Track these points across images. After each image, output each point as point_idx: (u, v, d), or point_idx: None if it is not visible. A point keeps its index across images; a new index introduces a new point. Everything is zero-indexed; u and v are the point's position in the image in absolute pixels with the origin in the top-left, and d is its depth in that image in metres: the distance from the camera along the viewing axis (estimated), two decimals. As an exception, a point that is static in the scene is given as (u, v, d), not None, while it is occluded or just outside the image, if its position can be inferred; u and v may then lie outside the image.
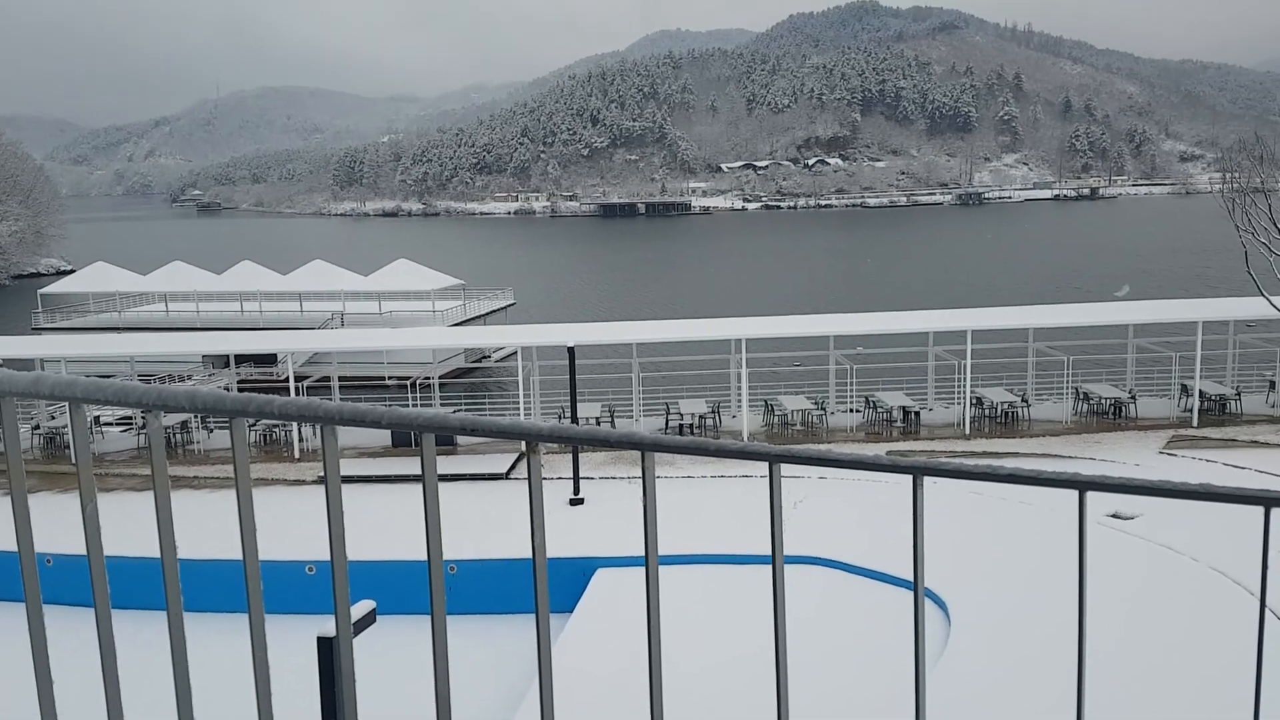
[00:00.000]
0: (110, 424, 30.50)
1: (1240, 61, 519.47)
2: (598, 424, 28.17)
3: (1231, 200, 27.50)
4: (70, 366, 30.05)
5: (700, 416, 28.36)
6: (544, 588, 1.61)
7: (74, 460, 1.53)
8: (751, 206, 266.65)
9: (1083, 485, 1.34)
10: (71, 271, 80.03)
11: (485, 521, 20.00)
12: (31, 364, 31.99)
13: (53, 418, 29.13)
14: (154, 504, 1.68)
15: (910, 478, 1.41)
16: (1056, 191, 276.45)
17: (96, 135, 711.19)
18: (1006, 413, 28.24)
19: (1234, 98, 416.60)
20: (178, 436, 28.88)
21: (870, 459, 1.40)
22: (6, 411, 1.80)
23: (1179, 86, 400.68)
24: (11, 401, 1.81)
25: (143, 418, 27.30)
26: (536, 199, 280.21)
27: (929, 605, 15.77)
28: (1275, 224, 26.42)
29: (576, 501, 22.28)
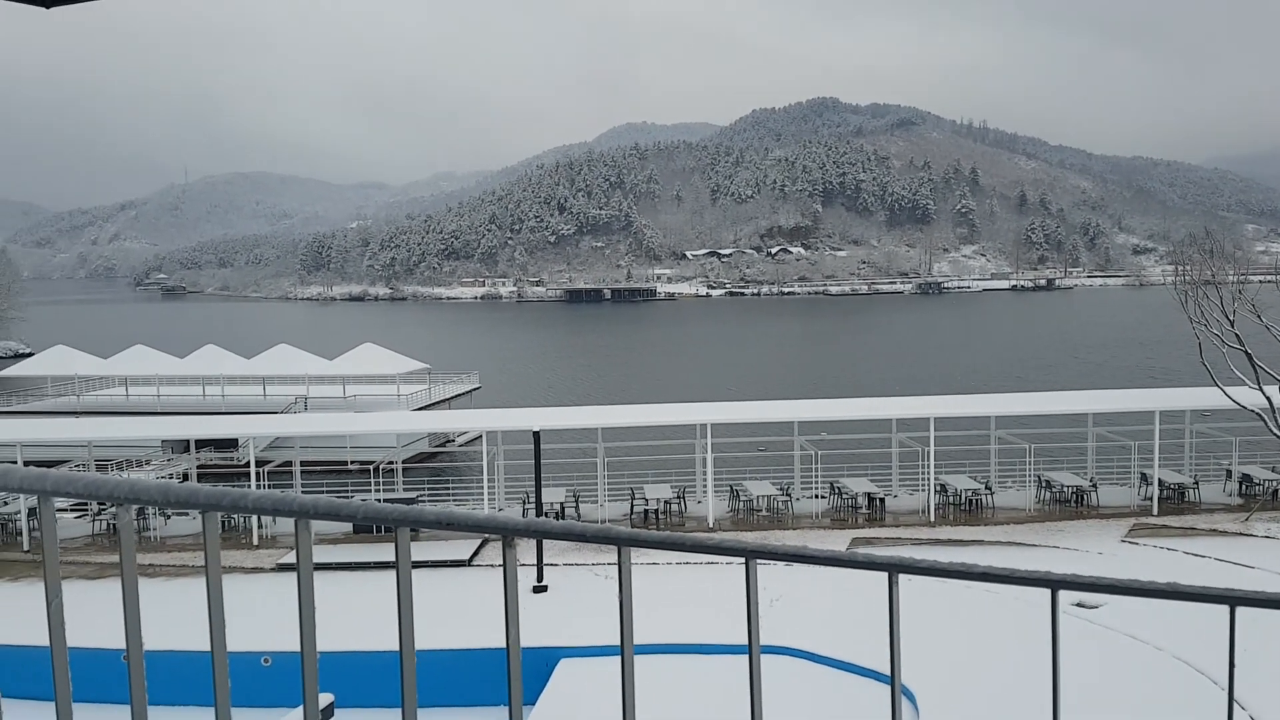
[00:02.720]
0: (63, 510, 29.80)
1: (1189, 159, 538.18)
2: (562, 509, 27.94)
3: (1184, 292, 28.20)
4: (25, 451, 29.45)
5: (665, 502, 28.22)
6: (518, 685, 1.59)
7: (42, 554, 1.49)
8: (716, 293, 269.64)
9: (1055, 584, 1.36)
10: (30, 354, 78.92)
11: (443, 610, 19.62)
12: (-16, 448, 31.35)
13: (4, 503, 28.43)
14: (121, 594, 1.65)
15: (885, 575, 1.42)
16: (1014, 282, 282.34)
17: (61, 218, 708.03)
18: (970, 500, 28.35)
19: (1184, 194, 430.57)
20: (135, 523, 28.25)
21: (846, 556, 1.41)
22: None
23: (1130, 182, 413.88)
24: (-24, 493, 1.78)
25: (99, 507, 26.70)
26: (503, 284, 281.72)
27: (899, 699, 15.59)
28: (1227, 316, 27.07)
29: (540, 589, 21.95)
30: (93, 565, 24.39)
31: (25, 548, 26.41)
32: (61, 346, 59.57)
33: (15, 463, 1.80)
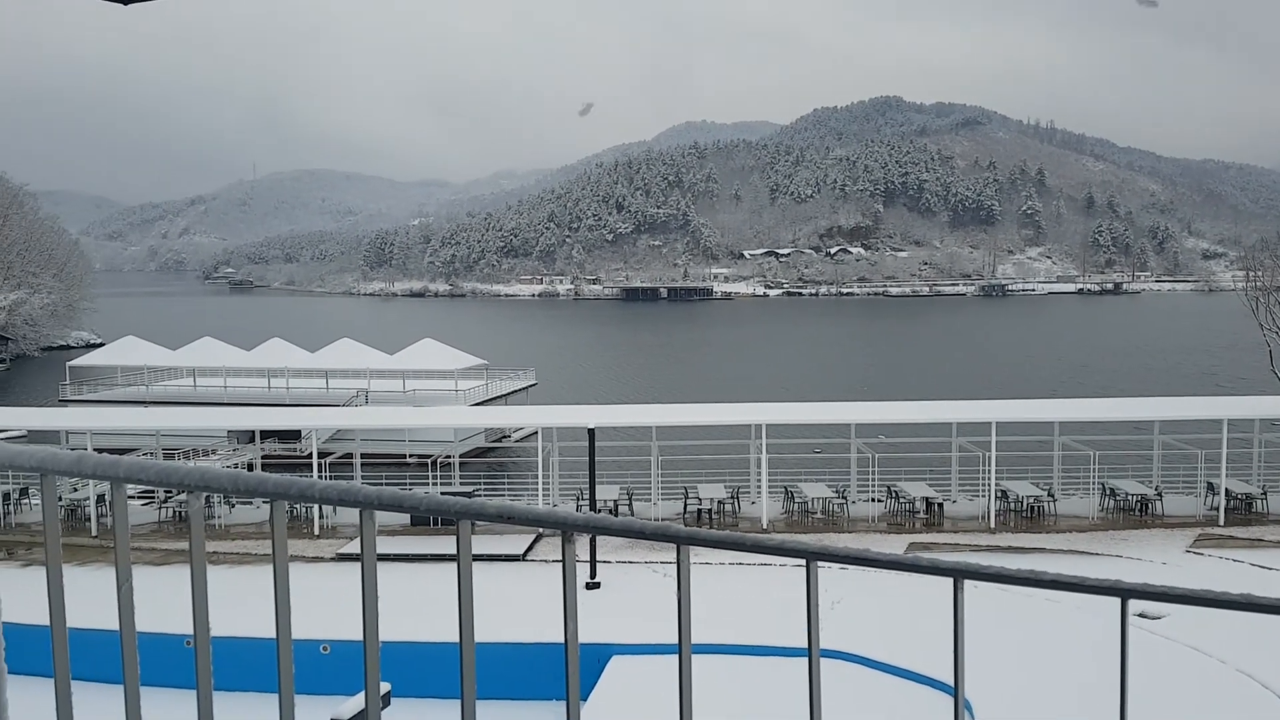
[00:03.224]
0: (130, 497, 30.49)
1: (1262, 162, 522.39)
2: (616, 507, 28.01)
3: (1255, 298, 27.51)
4: (95, 439, 30.26)
5: (719, 502, 28.14)
6: (575, 679, 1.60)
7: (113, 540, 1.53)
8: (773, 293, 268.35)
9: (1125, 593, 1.33)
10: (101, 345, 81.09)
11: (496, 603, 19.77)
12: (57, 436, 32.25)
13: (74, 489, 29.24)
14: (189, 580, 1.69)
15: (950, 580, 1.39)
16: (1080, 285, 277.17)
17: (132, 212, 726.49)
18: (1032, 507, 27.87)
19: (1256, 197, 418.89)
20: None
21: (910, 560, 1.39)
22: (47, 489, 1.83)
23: (1201, 185, 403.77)
24: (53, 479, 1.83)
25: (166, 494, 27.36)
26: (560, 282, 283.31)
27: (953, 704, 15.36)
28: (1301, 322, 26.33)
29: (593, 585, 22.02)
30: (159, 552, 24.98)
31: (93, 533, 27.13)
32: (131, 337, 61.16)
33: (86, 450, 1.85)
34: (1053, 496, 28.19)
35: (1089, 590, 1.35)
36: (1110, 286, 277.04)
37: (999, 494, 27.96)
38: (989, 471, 27.13)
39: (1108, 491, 28.72)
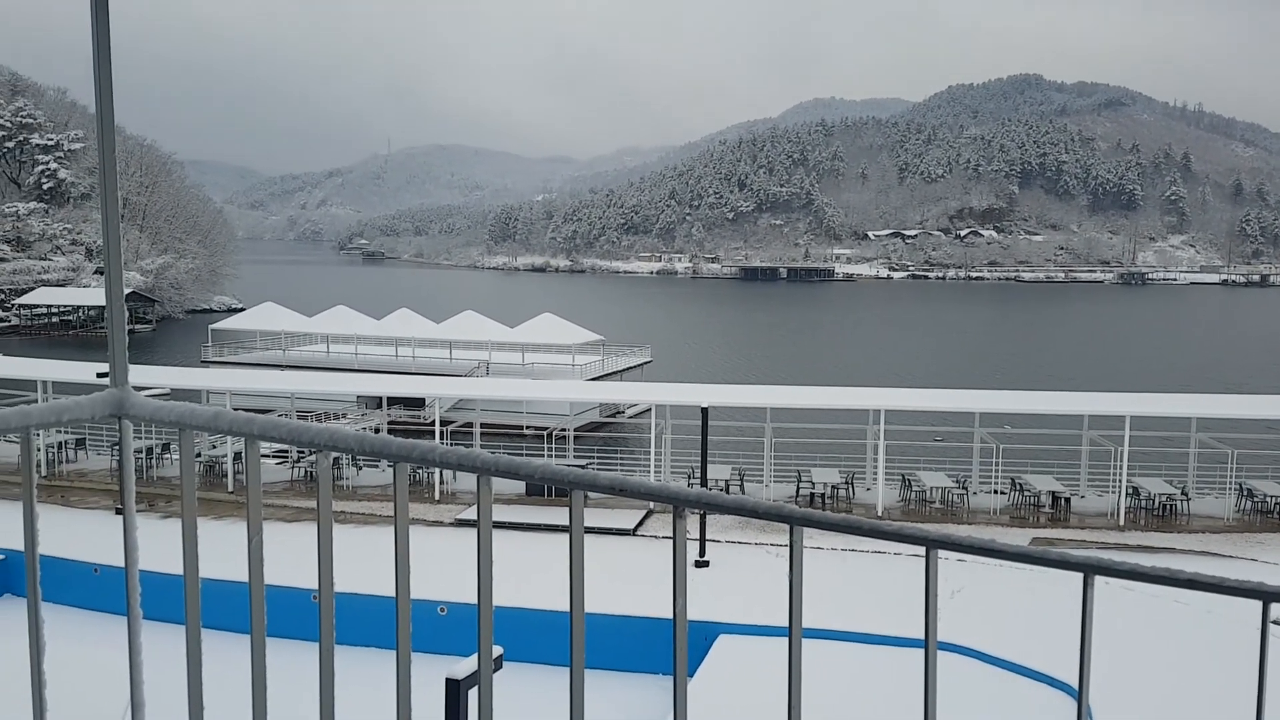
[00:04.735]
0: (265, 455, 31.92)
1: None
2: (727, 486, 27.97)
3: None
4: (234, 399, 31.72)
5: (833, 487, 27.80)
6: (683, 654, 1.60)
7: (245, 494, 1.59)
8: (897, 275, 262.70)
9: (1267, 596, 1.25)
10: (242, 310, 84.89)
11: (605, 575, 20.00)
12: (199, 395, 33.93)
13: (213, 446, 30.72)
14: (316, 538, 1.75)
15: (1080, 576, 1.33)
16: (1225, 276, 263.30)
17: (274, 183, 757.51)
18: (1164, 505, 26.71)
19: None
20: (331, 471, 30.03)
21: (1038, 553, 1.33)
22: (185, 444, 1.91)
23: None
24: (190, 435, 1.91)
25: (299, 454, 28.50)
26: (679, 260, 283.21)
27: (1074, 706, 14.88)
28: None
29: (702, 564, 22.07)
30: (290, 509, 26.09)
31: (230, 489, 28.49)
32: (270, 303, 63.91)
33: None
34: (1186, 495, 26.97)
35: (1228, 592, 1.27)
36: (1256, 278, 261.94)
37: (1130, 491, 26.87)
38: (1120, 467, 26.08)
39: (1245, 492, 27.33)
